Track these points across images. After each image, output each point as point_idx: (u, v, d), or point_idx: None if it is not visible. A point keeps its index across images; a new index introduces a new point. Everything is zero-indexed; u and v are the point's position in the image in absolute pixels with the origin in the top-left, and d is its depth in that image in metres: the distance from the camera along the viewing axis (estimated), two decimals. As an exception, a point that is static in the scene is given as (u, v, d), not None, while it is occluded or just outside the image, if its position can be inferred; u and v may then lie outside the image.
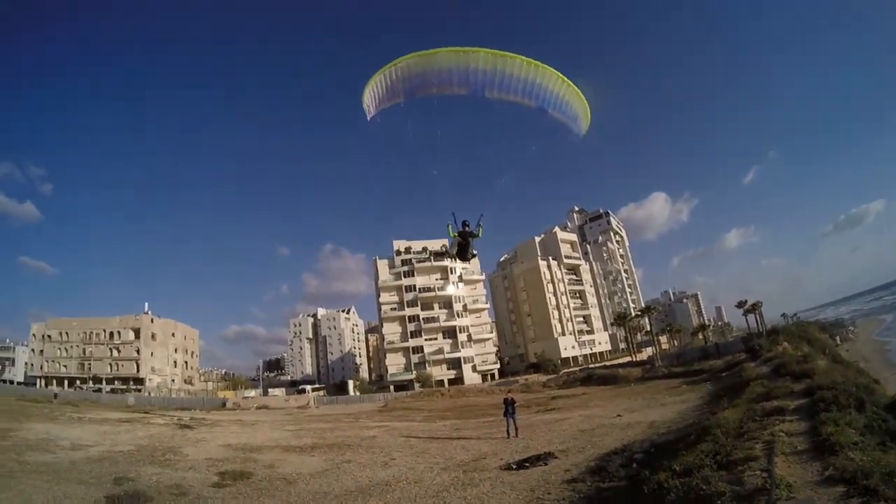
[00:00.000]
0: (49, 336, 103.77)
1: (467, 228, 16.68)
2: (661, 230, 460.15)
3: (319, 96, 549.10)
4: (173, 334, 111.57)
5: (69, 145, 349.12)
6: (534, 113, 16.52)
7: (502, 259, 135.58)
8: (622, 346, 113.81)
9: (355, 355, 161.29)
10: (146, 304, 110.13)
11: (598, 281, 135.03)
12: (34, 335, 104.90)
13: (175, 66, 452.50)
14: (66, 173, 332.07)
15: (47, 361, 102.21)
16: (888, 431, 10.97)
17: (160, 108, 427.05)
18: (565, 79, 15.87)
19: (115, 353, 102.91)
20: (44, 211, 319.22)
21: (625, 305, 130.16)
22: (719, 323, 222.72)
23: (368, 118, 16.53)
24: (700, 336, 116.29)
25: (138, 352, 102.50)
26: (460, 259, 17.36)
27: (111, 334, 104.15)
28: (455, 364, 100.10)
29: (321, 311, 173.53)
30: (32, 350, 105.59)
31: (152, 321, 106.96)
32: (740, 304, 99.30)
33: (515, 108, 16.51)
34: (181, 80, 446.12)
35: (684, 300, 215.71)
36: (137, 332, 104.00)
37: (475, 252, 17.24)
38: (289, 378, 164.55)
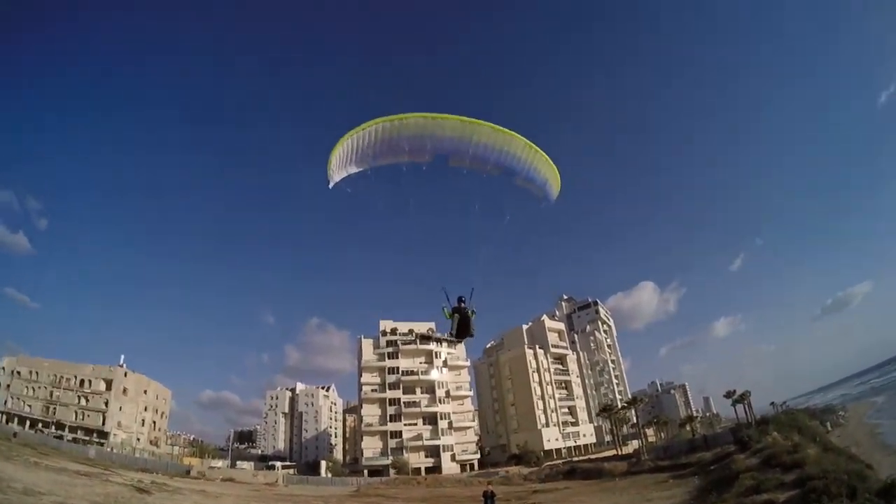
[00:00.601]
0: (18, 372, 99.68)
1: (463, 305, 16.40)
2: (648, 320, 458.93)
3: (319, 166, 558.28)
4: (145, 391, 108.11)
5: (71, 187, 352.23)
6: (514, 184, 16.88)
7: (488, 346, 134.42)
8: (608, 438, 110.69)
9: (331, 435, 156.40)
10: (122, 356, 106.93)
11: (585, 371, 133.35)
12: (3, 368, 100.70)
13: (175, 126, 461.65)
14: (62, 213, 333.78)
15: (12, 398, 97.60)
16: None
17: (159, 163, 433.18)
18: (533, 145, 16.01)
19: (83, 402, 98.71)
20: (35, 245, 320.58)
21: (611, 396, 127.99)
22: (707, 414, 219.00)
23: (330, 185, 16.13)
24: (688, 428, 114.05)
25: (107, 404, 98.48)
26: (460, 337, 16.87)
27: (82, 382, 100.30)
28: (434, 452, 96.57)
29: (300, 386, 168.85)
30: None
31: (126, 375, 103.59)
32: (728, 395, 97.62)
33: (493, 178, 16.75)
34: (179, 143, 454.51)
35: (672, 391, 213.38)
36: (109, 384, 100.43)
37: (474, 331, 16.68)
38: (259, 452, 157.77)
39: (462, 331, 16.53)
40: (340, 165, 15.87)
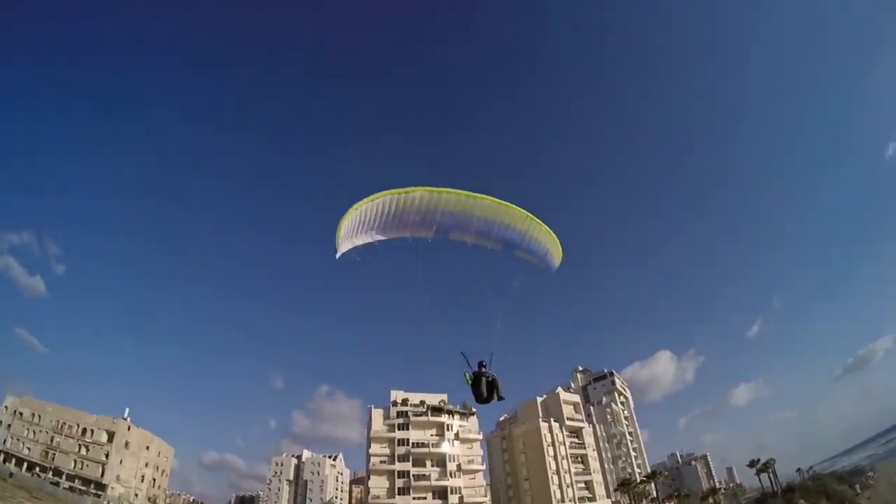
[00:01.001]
0: (21, 413, 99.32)
1: (484, 369, 16.22)
2: (666, 390, 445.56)
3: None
4: (148, 447, 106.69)
5: (90, 236, 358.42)
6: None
7: (501, 419, 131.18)
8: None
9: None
10: (127, 409, 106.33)
11: (602, 444, 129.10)
12: (6, 407, 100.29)
13: (189, 179, 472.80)
14: (79, 259, 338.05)
15: (12, 438, 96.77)
16: None
17: (176, 217, 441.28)
18: (532, 216, 16.44)
19: (84, 451, 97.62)
20: (50, 289, 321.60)
21: (629, 470, 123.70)
22: (731, 484, 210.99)
23: (337, 255, 16.08)
24: (711, 500, 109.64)
25: (107, 456, 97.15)
26: (486, 401, 16.55)
27: (84, 430, 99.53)
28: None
29: (306, 454, 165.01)
30: (0, 421, 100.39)
31: (129, 429, 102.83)
32: (752, 464, 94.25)
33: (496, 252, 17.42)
34: (194, 198, 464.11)
35: (693, 462, 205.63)
36: (111, 436, 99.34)
37: (502, 392, 16.49)
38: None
39: (489, 393, 16.36)
40: (348, 235, 16.04)
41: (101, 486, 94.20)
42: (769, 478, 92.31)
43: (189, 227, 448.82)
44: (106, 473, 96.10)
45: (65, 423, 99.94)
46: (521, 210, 16.37)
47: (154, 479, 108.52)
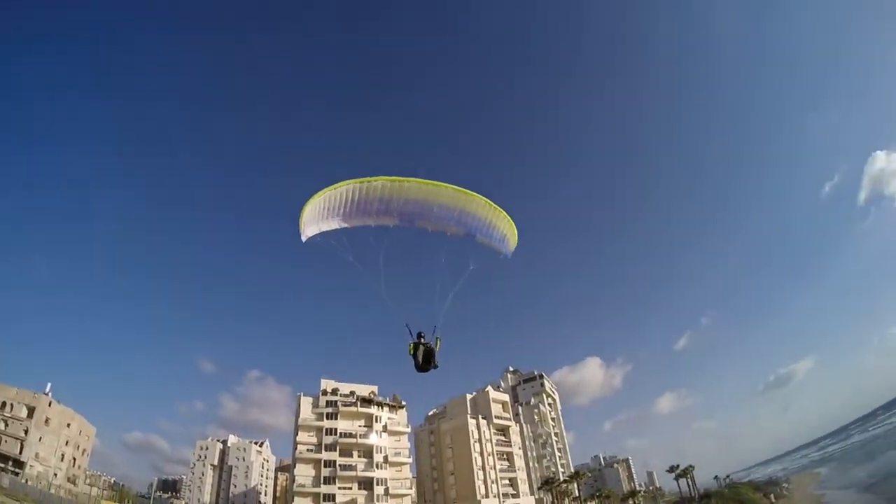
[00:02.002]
0: None
1: (422, 339, 16.55)
2: (594, 395, 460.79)
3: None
4: (69, 425, 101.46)
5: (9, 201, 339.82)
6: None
7: (430, 413, 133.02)
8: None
9: (261, 493, 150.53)
10: (49, 384, 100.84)
11: (528, 443, 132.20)
12: None
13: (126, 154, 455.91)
14: None
15: None
16: None
17: (108, 196, 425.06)
18: (492, 203, 17.07)
19: (2, 426, 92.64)
20: None
21: (554, 469, 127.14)
22: (651, 488, 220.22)
23: (303, 238, 16.95)
24: (631, 502, 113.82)
25: (27, 432, 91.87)
26: (423, 369, 16.68)
27: (3, 404, 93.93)
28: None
29: (232, 439, 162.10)
30: None
31: (50, 405, 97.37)
32: (672, 469, 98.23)
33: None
34: (125, 173, 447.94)
35: (615, 465, 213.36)
36: (31, 412, 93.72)
37: (438, 362, 16.79)
38: (184, 503, 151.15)
39: (426, 362, 16.59)
40: (312, 221, 16.66)
41: (19, 464, 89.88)
42: (687, 483, 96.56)
43: (119, 200, 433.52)
44: (24, 450, 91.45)
45: None
46: (482, 197, 17.12)
47: (74, 459, 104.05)
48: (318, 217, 16.78)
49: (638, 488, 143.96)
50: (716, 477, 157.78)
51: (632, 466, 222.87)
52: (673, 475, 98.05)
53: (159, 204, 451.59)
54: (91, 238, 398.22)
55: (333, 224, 17.05)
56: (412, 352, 16.57)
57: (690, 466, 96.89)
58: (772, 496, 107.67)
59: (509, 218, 17.78)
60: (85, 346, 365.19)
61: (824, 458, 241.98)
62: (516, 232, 18.42)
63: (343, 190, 16.26)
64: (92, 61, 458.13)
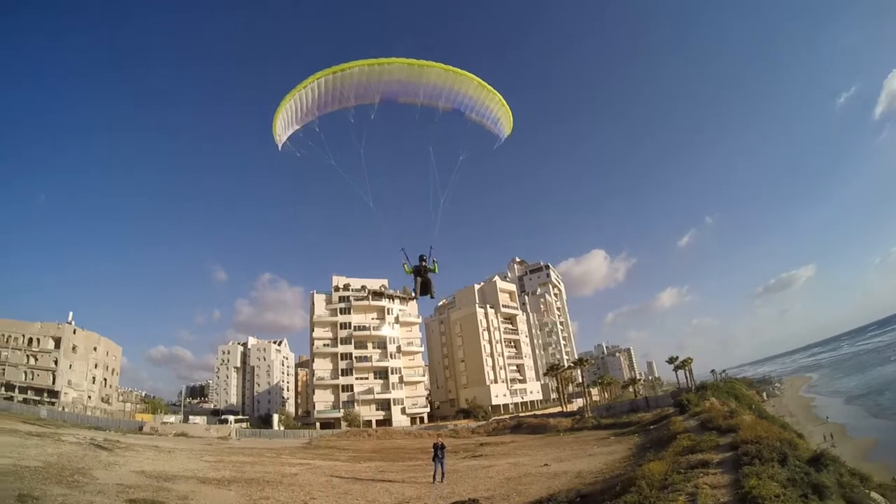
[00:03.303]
0: None
1: (424, 263, 16.47)
2: (598, 286, 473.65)
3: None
4: (95, 348, 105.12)
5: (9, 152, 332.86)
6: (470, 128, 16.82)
7: (440, 304, 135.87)
8: (553, 396, 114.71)
9: (283, 389, 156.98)
10: (70, 313, 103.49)
11: (534, 332, 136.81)
12: None
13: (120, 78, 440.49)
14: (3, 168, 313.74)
15: None
16: (810, 484, 11.24)
17: (106, 115, 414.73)
18: (486, 84, 15.90)
19: (32, 361, 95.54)
20: None
21: (558, 357, 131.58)
22: (650, 377, 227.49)
23: (279, 147, 15.80)
24: (630, 389, 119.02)
25: (56, 363, 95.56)
26: (422, 295, 16.89)
27: (30, 340, 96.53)
28: (384, 405, 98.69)
29: (252, 340, 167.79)
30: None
31: (75, 332, 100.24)
32: (671, 360, 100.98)
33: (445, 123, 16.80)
34: (124, 94, 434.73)
35: (617, 354, 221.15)
36: (58, 342, 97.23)
37: (434, 292, 16.94)
38: (212, 406, 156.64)
39: (424, 290, 16.76)
40: (286, 125, 15.59)
41: (54, 394, 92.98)
42: (685, 375, 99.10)
43: (120, 106, 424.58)
44: (57, 380, 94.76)
45: (10, 336, 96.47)
46: (475, 77, 15.64)
47: (105, 380, 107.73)
48: (291, 119, 15.52)
49: (638, 377, 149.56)
50: (712, 371, 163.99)
51: (633, 356, 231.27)
52: (672, 366, 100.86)
53: (156, 102, 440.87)
54: (88, 161, 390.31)
55: (309, 119, 15.77)
56: (410, 272, 16.51)
57: (689, 359, 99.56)
58: (764, 394, 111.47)
59: (503, 100, 16.66)
60: (100, 271, 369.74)
61: (816, 364, 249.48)
62: (511, 116, 17.29)
63: (315, 85, 14.66)
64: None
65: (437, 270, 16.74)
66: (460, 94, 15.92)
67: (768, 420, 42.01)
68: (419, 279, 16.50)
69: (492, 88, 16.12)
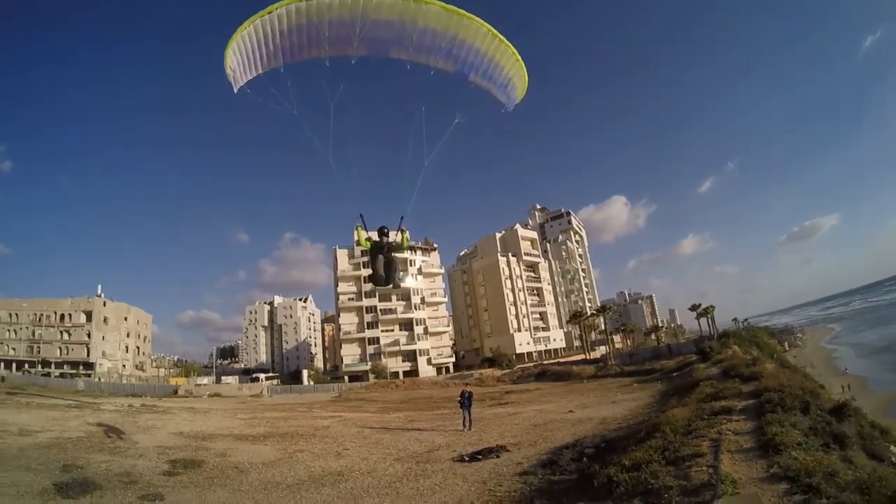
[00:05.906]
0: None
1: (385, 238, 12.19)
2: (619, 233, 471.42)
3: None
4: (126, 318, 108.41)
5: (34, 129, 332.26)
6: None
7: (462, 253, 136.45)
8: (577, 343, 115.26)
9: (311, 345, 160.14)
10: (99, 286, 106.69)
11: (556, 279, 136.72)
12: None
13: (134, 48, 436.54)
14: (26, 153, 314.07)
15: None
16: (831, 433, 11.54)
17: (121, 96, 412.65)
18: (497, 34, 12.39)
19: (66, 337, 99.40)
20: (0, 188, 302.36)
21: (581, 304, 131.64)
22: (672, 325, 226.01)
23: (235, 89, 12.10)
24: (653, 336, 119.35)
25: (89, 335, 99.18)
26: (381, 285, 12.40)
27: (62, 317, 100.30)
28: (410, 356, 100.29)
29: (278, 300, 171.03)
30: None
31: (105, 304, 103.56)
32: (693, 308, 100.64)
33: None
34: (138, 64, 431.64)
35: (639, 301, 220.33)
36: (89, 315, 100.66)
37: (401, 278, 13.28)
38: (242, 366, 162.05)
39: (387, 274, 12.18)
40: (245, 64, 11.95)
41: (89, 366, 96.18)
42: (707, 322, 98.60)
43: (131, 89, 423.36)
44: (91, 352, 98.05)
45: (42, 314, 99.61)
46: (483, 23, 12.09)
47: (138, 348, 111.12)
48: (251, 57, 11.84)
49: (660, 324, 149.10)
50: (734, 319, 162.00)
51: (655, 303, 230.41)
52: (694, 314, 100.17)
53: (165, 81, 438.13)
54: (107, 131, 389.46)
55: (273, 63, 12.08)
56: (366, 247, 12.26)
57: (711, 306, 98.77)
58: (786, 344, 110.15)
59: (518, 56, 12.88)
60: (122, 245, 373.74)
61: (840, 316, 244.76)
62: (526, 77, 13.47)
63: (283, 11, 11.17)
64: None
65: (406, 246, 12.46)
66: (465, 45, 12.48)
67: (790, 370, 41.94)
68: (381, 258, 12.08)
69: (506, 40, 12.57)
